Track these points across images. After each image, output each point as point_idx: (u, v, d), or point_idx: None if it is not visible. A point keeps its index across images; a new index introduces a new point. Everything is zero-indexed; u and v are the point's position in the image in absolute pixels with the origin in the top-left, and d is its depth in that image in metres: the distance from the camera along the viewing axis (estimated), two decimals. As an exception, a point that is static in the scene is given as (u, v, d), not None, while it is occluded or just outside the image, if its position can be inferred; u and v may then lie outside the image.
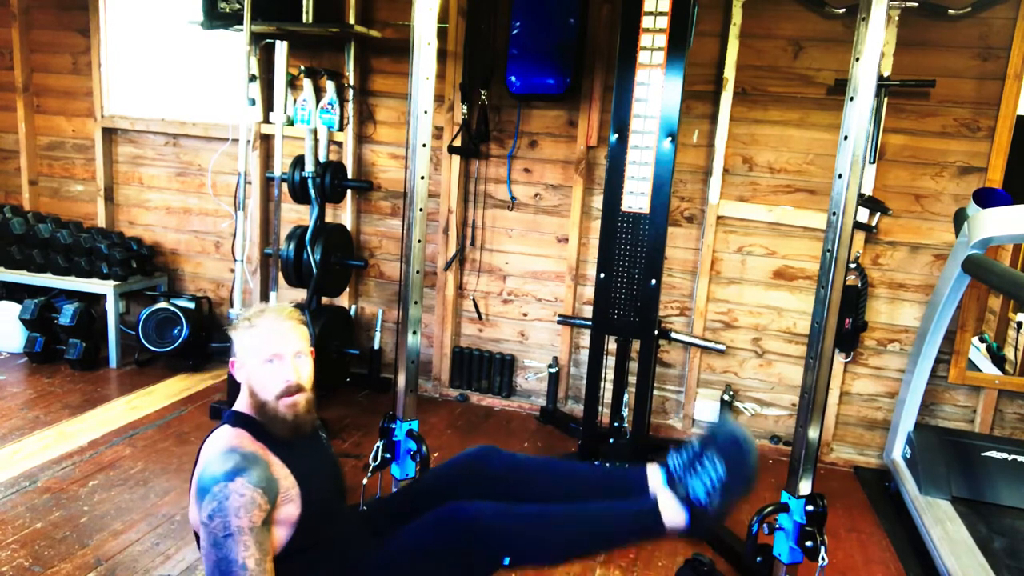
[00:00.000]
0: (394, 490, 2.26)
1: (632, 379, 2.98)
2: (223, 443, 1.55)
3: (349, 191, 3.72)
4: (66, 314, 3.75)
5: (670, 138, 2.54)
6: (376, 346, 3.87)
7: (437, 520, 1.65)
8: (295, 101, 3.71)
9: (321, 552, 1.64)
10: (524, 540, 1.65)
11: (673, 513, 1.68)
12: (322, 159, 3.50)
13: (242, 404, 1.66)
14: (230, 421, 1.63)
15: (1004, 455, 2.85)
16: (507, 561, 1.63)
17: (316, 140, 3.40)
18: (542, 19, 3.25)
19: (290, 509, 1.55)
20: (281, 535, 1.55)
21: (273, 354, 1.62)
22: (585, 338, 3.53)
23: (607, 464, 2.43)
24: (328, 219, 3.77)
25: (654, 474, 1.79)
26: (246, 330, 1.64)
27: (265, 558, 1.48)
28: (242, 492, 1.45)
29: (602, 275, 2.68)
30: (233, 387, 3.32)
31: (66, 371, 3.78)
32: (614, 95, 2.60)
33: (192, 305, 3.92)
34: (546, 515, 1.71)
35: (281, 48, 3.22)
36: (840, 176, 1.96)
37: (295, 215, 3.87)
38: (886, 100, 3.04)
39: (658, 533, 1.70)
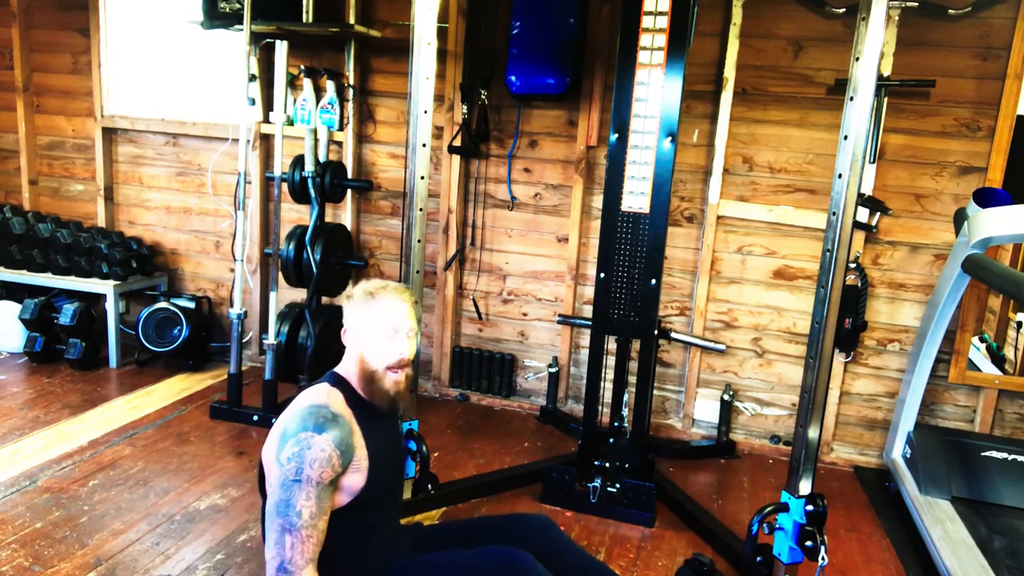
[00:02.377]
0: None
1: (632, 379, 2.98)
2: (320, 398, 1.65)
3: (349, 191, 3.72)
4: (66, 314, 3.75)
5: (670, 138, 2.54)
6: (376, 346, 3.86)
7: (493, 555, 1.72)
8: (295, 101, 3.71)
9: (367, 531, 1.71)
10: None
11: None
12: (322, 159, 3.49)
13: (345, 369, 1.75)
14: (330, 381, 1.73)
15: (1004, 455, 2.85)
16: None
17: (316, 140, 3.40)
18: (542, 19, 3.24)
19: (356, 479, 1.63)
20: (340, 501, 1.62)
21: (393, 329, 1.70)
22: (585, 338, 3.53)
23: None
24: (328, 219, 3.77)
25: None
26: (367, 303, 1.72)
27: (320, 516, 1.56)
28: (323, 447, 1.54)
29: (602, 275, 2.68)
30: (235, 386, 3.33)
31: (66, 371, 3.78)
32: (614, 95, 2.59)
33: (192, 305, 3.92)
34: None
35: (281, 48, 3.22)
36: (840, 176, 1.96)
37: (295, 215, 3.87)
38: (886, 100, 3.04)
39: None
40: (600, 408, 2.84)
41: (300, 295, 3.66)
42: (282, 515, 1.52)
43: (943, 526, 2.53)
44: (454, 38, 3.50)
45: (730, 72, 3.20)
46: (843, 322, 3.15)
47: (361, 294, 1.74)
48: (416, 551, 1.86)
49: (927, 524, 2.55)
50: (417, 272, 2.44)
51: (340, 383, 1.72)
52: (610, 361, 2.85)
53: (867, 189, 3.13)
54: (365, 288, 1.75)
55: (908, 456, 2.96)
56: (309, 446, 1.53)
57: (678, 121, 2.53)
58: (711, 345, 3.16)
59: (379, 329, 1.70)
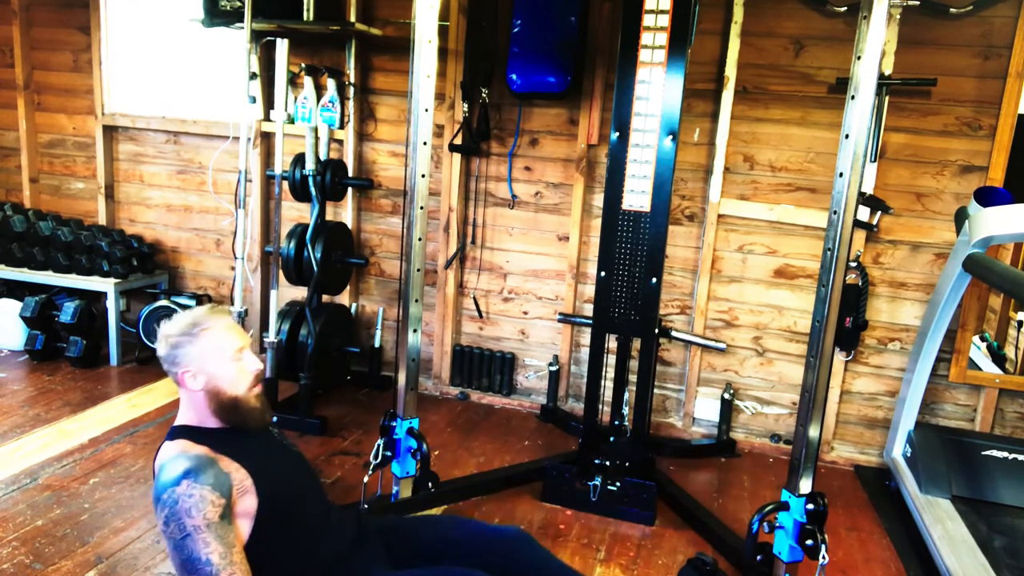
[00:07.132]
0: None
1: (633, 377, 2.98)
2: (167, 455, 1.61)
3: (350, 189, 3.72)
4: (67, 312, 3.75)
5: (671, 136, 2.53)
6: (377, 344, 3.87)
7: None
8: (296, 99, 3.70)
9: (293, 543, 1.67)
10: None
11: None
12: (323, 157, 3.49)
13: (187, 418, 1.69)
14: (169, 437, 1.67)
15: (1004, 454, 2.85)
16: None
17: (317, 138, 3.40)
18: (543, 17, 3.24)
19: (248, 501, 1.59)
20: (244, 528, 1.59)
21: (238, 349, 1.68)
22: (586, 336, 3.53)
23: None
24: (329, 217, 3.77)
25: None
26: (197, 337, 1.65)
27: (231, 551, 1.50)
28: (190, 493, 1.49)
29: (603, 273, 2.68)
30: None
31: (67, 369, 3.79)
32: (615, 93, 2.59)
33: (193, 303, 3.92)
34: None
35: (282, 46, 3.22)
36: (841, 175, 1.96)
37: (296, 213, 3.87)
38: (887, 99, 3.04)
39: None
40: (600, 407, 2.84)
41: (301, 293, 3.66)
42: (192, 572, 1.47)
43: (943, 525, 2.53)
44: (455, 36, 3.50)
45: (731, 71, 3.19)
46: (844, 321, 3.15)
47: (186, 333, 1.65)
48: (390, 552, 1.82)
49: (927, 523, 2.55)
50: (418, 270, 2.44)
51: (179, 432, 1.66)
52: (611, 360, 2.85)
53: (868, 188, 3.12)
54: (182, 327, 1.66)
55: (908, 455, 2.96)
56: (175, 500, 1.48)
57: (679, 120, 2.53)
58: (712, 344, 3.16)
59: (225, 357, 1.65)
